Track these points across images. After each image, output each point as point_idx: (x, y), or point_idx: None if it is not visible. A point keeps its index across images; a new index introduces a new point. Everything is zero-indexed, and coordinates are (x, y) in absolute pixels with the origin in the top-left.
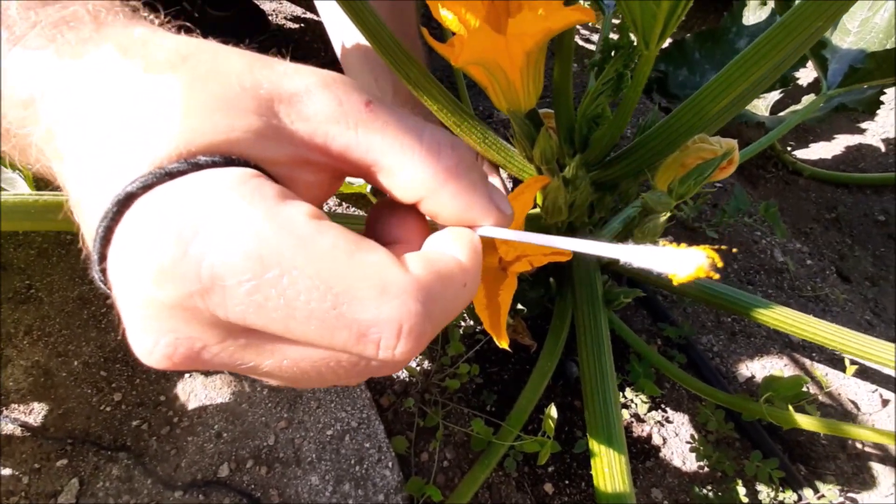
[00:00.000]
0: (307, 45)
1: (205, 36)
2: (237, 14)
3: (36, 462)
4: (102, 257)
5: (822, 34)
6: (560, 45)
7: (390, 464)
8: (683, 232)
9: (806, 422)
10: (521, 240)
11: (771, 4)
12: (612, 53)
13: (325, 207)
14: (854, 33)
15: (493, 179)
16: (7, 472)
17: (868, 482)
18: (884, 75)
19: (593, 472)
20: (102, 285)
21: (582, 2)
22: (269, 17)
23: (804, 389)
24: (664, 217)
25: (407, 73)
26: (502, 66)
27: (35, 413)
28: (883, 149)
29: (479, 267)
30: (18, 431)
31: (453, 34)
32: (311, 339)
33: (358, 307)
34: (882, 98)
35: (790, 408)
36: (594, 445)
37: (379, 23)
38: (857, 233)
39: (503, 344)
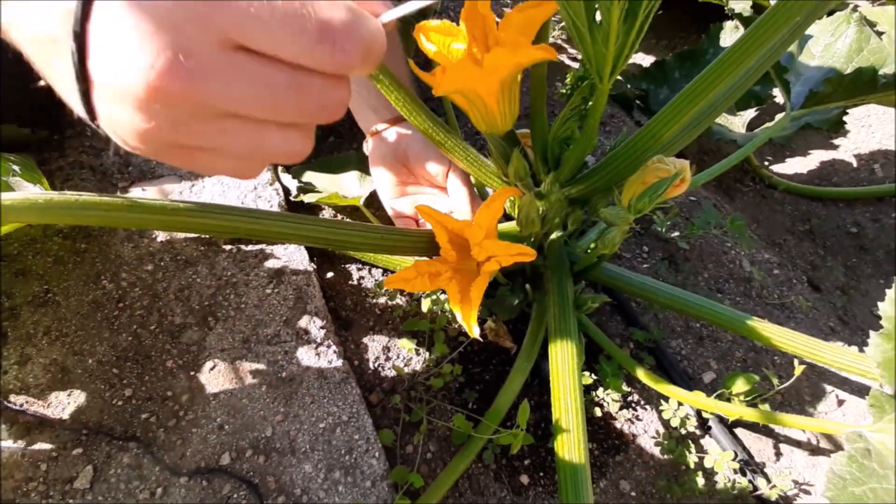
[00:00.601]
0: None
1: None
2: None
3: (53, 451)
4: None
5: (752, 81)
6: (534, 74)
7: (377, 454)
8: (658, 242)
9: (750, 413)
10: None
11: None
12: (579, 83)
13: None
14: (818, 57)
15: (462, 186)
16: (27, 459)
17: (819, 473)
18: (841, 98)
19: (556, 453)
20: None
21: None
22: None
23: (760, 387)
24: (622, 230)
25: (396, 96)
26: (479, 93)
27: (53, 406)
28: (855, 164)
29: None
30: (38, 423)
31: (437, 64)
32: (279, 41)
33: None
34: (846, 118)
35: (737, 401)
36: (557, 429)
37: None
38: (829, 244)
39: (473, 334)
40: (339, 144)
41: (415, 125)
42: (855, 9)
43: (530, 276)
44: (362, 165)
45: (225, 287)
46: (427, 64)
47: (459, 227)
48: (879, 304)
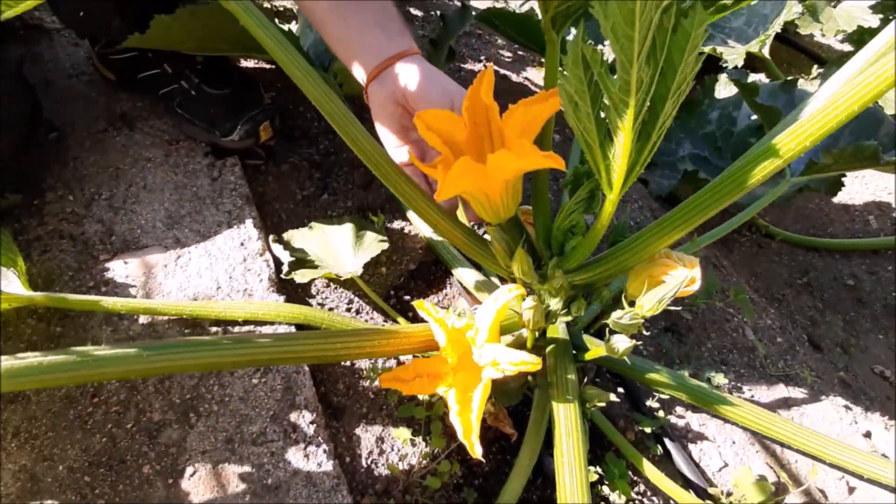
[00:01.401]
0: (300, 115)
1: (203, 113)
2: (233, 91)
3: None
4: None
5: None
6: (535, 172)
7: None
8: (660, 313)
9: None
10: None
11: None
12: (584, 179)
13: (314, 289)
14: None
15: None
16: None
17: None
18: (841, 168)
19: None
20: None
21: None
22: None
23: (773, 482)
24: (631, 341)
25: (394, 185)
26: (483, 189)
27: None
28: (850, 215)
29: None
30: None
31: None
32: None
33: None
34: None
35: None
36: None
37: (362, 135)
38: (827, 297)
39: (475, 454)
40: (333, 202)
41: (415, 211)
42: None
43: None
44: (356, 220)
45: (208, 377)
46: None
47: (461, 328)
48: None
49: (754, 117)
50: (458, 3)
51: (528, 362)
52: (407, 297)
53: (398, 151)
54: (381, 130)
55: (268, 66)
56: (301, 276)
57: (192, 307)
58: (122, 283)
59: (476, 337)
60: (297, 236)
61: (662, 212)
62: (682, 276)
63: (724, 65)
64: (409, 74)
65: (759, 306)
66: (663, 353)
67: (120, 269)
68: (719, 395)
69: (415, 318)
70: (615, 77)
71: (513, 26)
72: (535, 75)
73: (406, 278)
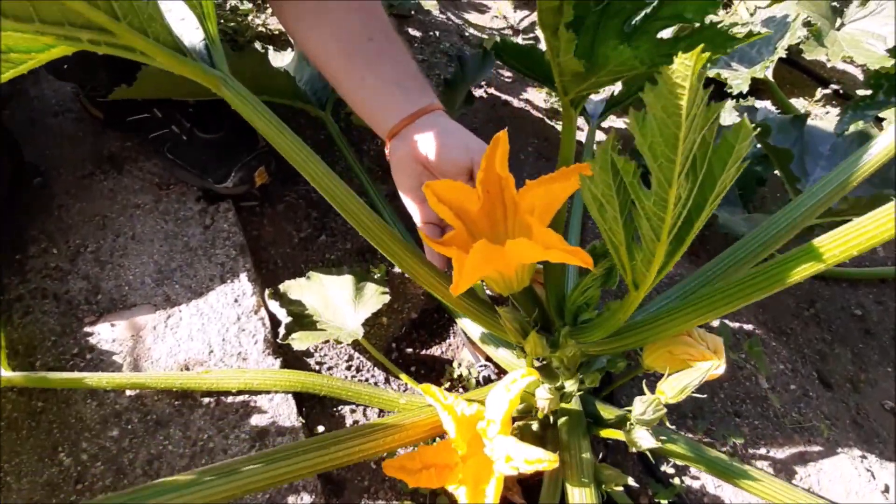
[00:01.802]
0: (293, 176)
1: (195, 159)
2: (226, 135)
3: None
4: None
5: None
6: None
7: None
8: None
9: None
10: None
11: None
12: (601, 259)
13: (313, 346)
14: (825, 156)
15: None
16: None
17: None
18: (854, 214)
19: None
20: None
21: None
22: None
23: None
24: (654, 440)
25: (400, 262)
26: (497, 269)
27: None
28: None
29: None
30: None
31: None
32: None
33: None
34: None
35: None
36: None
37: (364, 211)
38: (835, 328)
39: None
40: (331, 244)
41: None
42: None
43: (543, 435)
44: (356, 272)
45: (200, 455)
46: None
47: (470, 416)
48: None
49: (759, 145)
50: (459, 22)
51: (545, 460)
52: (409, 350)
53: (418, 212)
54: (402, 188)
55: None
56: (299, 342)
57: (183, 380)
58: (108, 349)
59: (488, 429)
60: (293, 288)
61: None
62: (708, 367)
63: (729, 90)
64: (429, 133)
65: (768, 347)
66: (675, 406)
67: (106, 332)
68: (740, 468)
69: (417, 374)
70: (650, 190)
71: (515, 57)
72: (536, 97)
73: (408, 328)
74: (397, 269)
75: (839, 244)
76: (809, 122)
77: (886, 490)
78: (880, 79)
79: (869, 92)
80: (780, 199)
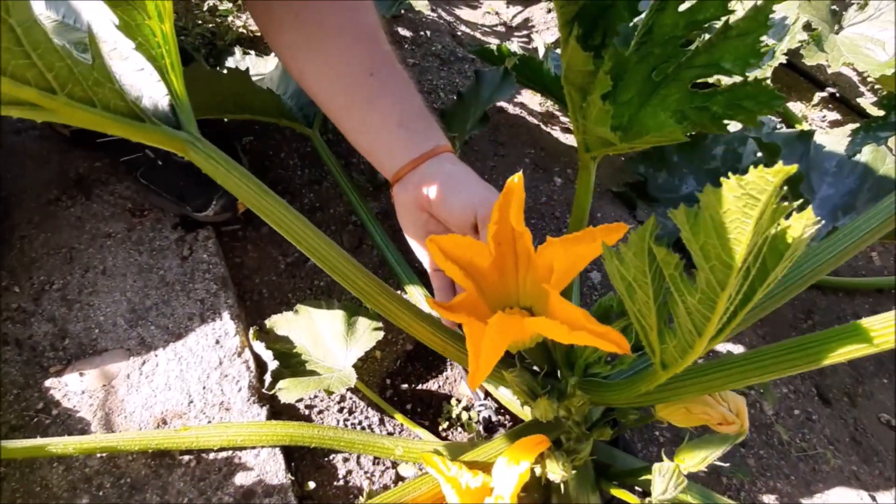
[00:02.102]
0: (280, 163)
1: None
2: None
3: None
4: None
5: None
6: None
7: None
8: None
9: None
10: None
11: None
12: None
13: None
14: (832, 173)
15: None
16: None
17: None
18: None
19: None
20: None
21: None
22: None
23: None
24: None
25: (405, 326)
26: (514, 339)
27: None
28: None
29: None
30: None
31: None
32: None
33: None
34: None
35: None
36: None
37: (364, 278)
38: None
39: None
40: (319, 269)
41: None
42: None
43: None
44: (347, 306)
45: None
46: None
47: (476, 490)
48: None
49: (759, 153)
50: (450, 19)
51: None
52: (404, 386)
53: (426, 256)
54: (407, 232)
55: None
56: (286, 393)
57: (159, 439)
58: (77, 403)
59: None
60: (280, 323)
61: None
62: (733, 437)
63: None
64: (433, 183)
65: (776, 404)
66: (680, 439)
67: (74, 383)
68: None
69: (413, 412)
70: (694, 284)
71: (516, 68)
72: (531, 100)
73: (403, 360)
74: None
75: (887, 327)
76: (814, 135)
77: None
78: (893, 99)
79: (881, 113)
80: None
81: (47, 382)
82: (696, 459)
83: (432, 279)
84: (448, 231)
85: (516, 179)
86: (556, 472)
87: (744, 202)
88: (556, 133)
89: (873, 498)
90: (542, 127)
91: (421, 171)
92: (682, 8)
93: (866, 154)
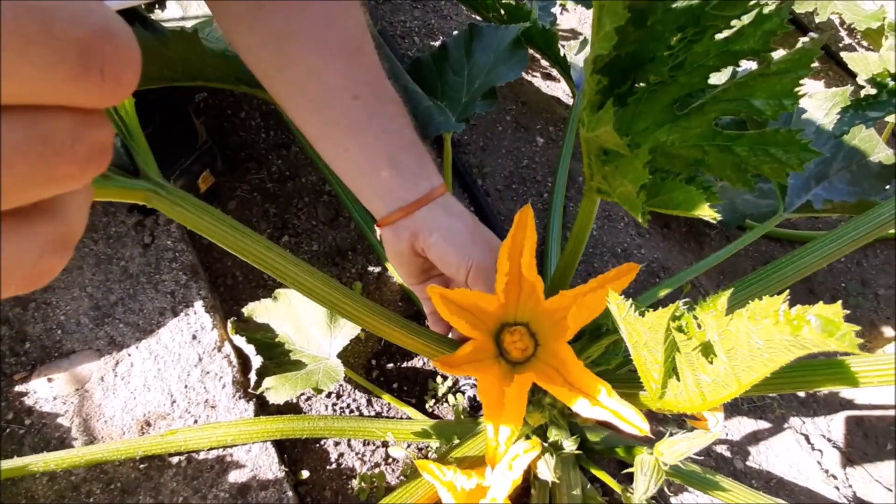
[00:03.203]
0: (241, 123)
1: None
2: (157, 131)
3: None
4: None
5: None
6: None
7: None
8: None
9: None
10: None
11: None
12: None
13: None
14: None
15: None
16: None
17: None
18: (838, 213)
19: None
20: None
21: None
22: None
23: None
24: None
25: (399, 341)
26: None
27: None
28: None
29: None
30: None
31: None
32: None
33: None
34: None
35: None
36: None
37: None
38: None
39: None
40: (295, 245)
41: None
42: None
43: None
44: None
45: None
46: None
47: (471, 491)
48: None
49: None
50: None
51: None
52: (390, 365)
53: (419, 288)
54: (401, 276)
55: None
56: (274, 394)
57: (146, 447)
58: (50, 410)
59: None
60: (259, 310)
61: (651, 234)
62: (711, 435)
63: None
64: (428, 234)
65: None
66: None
67: (44, 389)
68: (713, 479)
69: (400, 391)
70: (712, 366)
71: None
72: None
73: (387, 341)
74: (371, 269)
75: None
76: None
77: (830, 474)
78: (885, 77)
79: (873, 91)
80: None
81: (14, 391)
82: (675, 454)
83: (423, 305)
84: (440, 272)
85: (526, 216)
86: (546, 473)
87: (776, 335)
88: (538, 81)
89: (813, 445)
90: (524, 76)
91: (415, 220)
92: (718, 37)
93: (845, 120)
